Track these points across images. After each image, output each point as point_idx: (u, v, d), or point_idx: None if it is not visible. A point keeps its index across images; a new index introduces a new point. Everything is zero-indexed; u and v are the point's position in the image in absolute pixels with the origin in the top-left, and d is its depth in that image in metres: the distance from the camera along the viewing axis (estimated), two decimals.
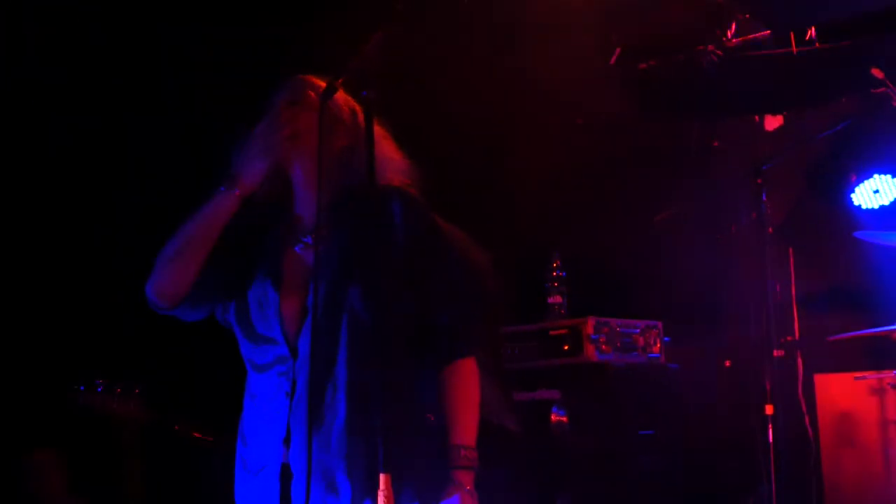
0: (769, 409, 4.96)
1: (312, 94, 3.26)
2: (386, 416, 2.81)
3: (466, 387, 3.22)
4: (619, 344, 5.41)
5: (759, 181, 5.41)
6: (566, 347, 5.40)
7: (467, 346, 3.22)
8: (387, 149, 3.24)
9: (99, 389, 4.89)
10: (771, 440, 4.89)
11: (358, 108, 3.30)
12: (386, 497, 2.73)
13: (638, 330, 5.50)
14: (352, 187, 3.18)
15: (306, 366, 3.09)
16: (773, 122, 6.47)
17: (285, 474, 3.12)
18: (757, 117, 6.58)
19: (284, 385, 3.12)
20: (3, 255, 5.61)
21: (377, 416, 2.86)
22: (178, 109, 5.60)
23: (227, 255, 3.25)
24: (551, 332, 5.50)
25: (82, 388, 4.87)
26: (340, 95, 3.20)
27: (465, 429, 3.18)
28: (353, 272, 3.07)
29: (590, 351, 5.31)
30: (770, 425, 4.91)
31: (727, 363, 6.25)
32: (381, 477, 2.74)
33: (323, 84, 3.22)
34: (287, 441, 3.07)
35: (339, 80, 3.06)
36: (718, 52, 5.99)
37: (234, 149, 3.26)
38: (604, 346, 5.34)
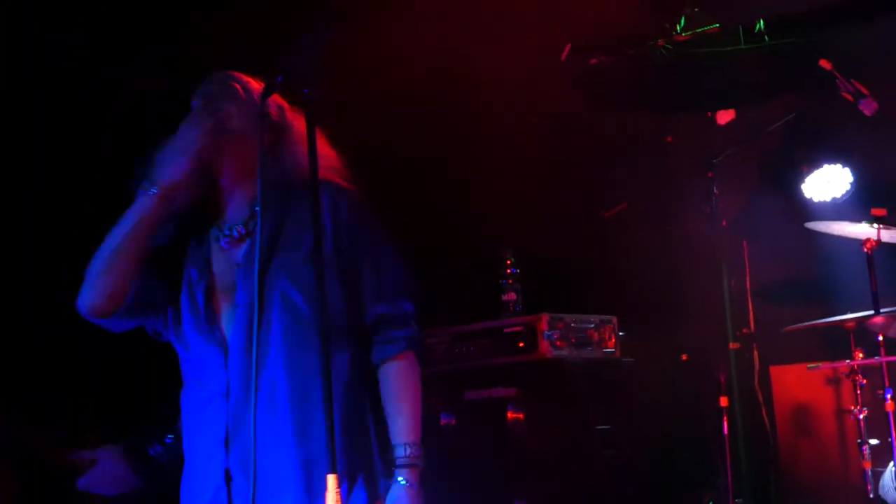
0: (724, 402, 4.98)
1: (237, 86, 3.23)
2: (329, 414, 2.77)
3: (408, 382, 3.19)
4: (573, 340, 5.39)
5: (709, 175, 5.44)
6: (521, 344, 5.38)
7: (407, 340, 3.20)
8: (319, 146, 3.20)
9: None
10: (726, 432, 4.91)
11: (285, 104, 3.28)
12: (336, 499, 2.70)
13: (593, 325, 5.49)
14: (278, 182, 3.15)
15: (238, 363, 3.06)
16: (725, 116, 6.48)
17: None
18: (709, 112, 6.60)
19: (221, 386, 3.09)
20: None
21: (319, 414, 2.84)
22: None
23: (157, 261, 3.22)
24: (506, 330, 5.48)
25: None
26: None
27: (409, 425, 3.14)
28: (281, 265, 3.04)
29: (545, 347, 5.29)
30: (725, 417, 4.92)
31: (684, 357, 6.26)
32: (329, 478, 2.71)
33: (247, 79, 3.21)
34: (227, 443, 3.03)
35: (278, 78, 3.04)
36: (668, 46, 6.01)
37: (155, 149, 3.22)
38: (558, 343, 5.32)
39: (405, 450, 3.11)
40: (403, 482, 3.09)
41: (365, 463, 3.12)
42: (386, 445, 3.16)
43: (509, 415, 5.39)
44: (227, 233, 3.20)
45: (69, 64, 5.15)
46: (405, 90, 5.70)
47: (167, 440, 4.34)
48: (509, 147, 6.18)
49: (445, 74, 6.07)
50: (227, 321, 3.12)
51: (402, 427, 3.13)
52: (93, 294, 3.14)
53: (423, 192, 5.87)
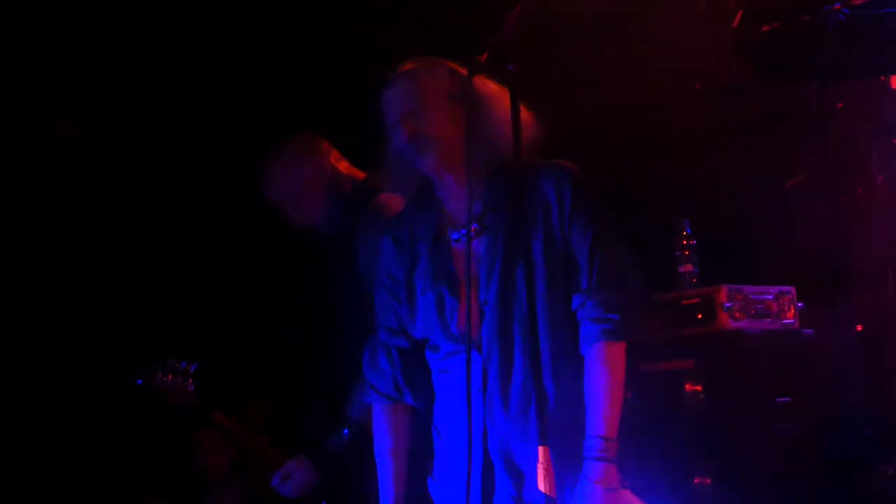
0: None
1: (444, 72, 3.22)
2: (540, 390, 2.81)
3: (606, 372, 3.18)
4: (752, 311, 5.33)
5: (893, 141, 5.30)
6: (699, 316, 5.34)
7: (611, 331, 3.18)
8: (526, 125, 3.20)
9: (160, 370, 4.89)
10: None
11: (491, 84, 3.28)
12: (544, 468, 2.73)
13: (771, 296, 5.42)
14: (502, 169, 3.15)
15: (494, 359, 3.09)
16: None
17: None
18: (883, 76, 6.43)
19: (472, 381, 3.12)
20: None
21: (553, 396, 2.90)
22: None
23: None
24: (683, 302, 5.44)
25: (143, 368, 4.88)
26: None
27: (600, 418, 3.14)
28: (519, 259, 3.06)
29: (724, 319, 5.24)
30: None
31: (859, 328, 6.14)
32: (540, 450, 2.73)
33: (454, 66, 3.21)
34: (485, 436, 3.08)
35: (483, 57, 3.05)
36: (845, 10, 5.85)
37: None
38: (738, 314, 5.27)
39: (593, 442, 3.10)
40: (589, 478, 3.09)
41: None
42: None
43: (687, 387, 5.36)
44: (458, 236, 3.22)
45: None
46: (583, 64, 5.68)
47: (344, 433, 4.44)
48: (681, 116, 6.12)
49: (616, 40, 6.04)
50: (472, 317, 3.15)
51: (596, 419, 3.14)
52: None
53: (595, 163, 5.84)
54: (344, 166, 4.71)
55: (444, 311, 3.18)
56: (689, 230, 5.65)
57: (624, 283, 3.23)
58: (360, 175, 4.74)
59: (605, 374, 3.14)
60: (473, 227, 3.19)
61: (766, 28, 6.12)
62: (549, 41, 5.52)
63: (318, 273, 4.90)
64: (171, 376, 4.92)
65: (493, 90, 3.22)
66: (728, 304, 5.23)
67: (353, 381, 4.39)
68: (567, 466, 3.06)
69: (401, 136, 3.20)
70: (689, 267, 5.63)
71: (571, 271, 3.15)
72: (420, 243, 3.29)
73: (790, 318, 5.46)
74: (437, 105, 3.11)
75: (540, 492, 2.96)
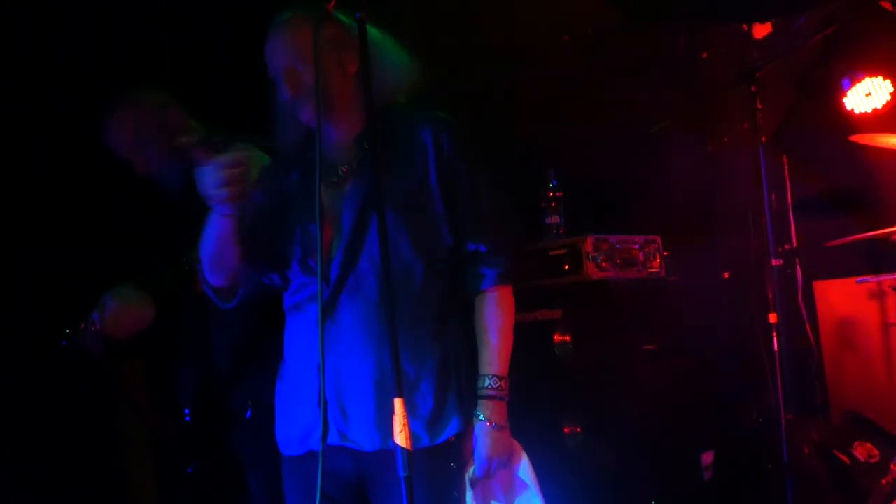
0: (773, 318, 4.95)
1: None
2: (393, 338, 2.81)
3: (498, 315, 3.24)
4: (618, 261, 5.38)
5: (752, 89, 5.36)
6: (566, 267, 5.38)
7: (500, 274, 3.22)
8: (398, 63, 3.19)
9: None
10: (776, 348, 4.89)
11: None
12: (402, 422, 2.72)
13: (637, 245, 5.47)
14: (381, 116, 3.13)
15: (340, 293, 3.08)
16: (761, 30, 6.40)
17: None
18: (745, 25, 6.51)
19: (314, 314, 3.10)
20: None
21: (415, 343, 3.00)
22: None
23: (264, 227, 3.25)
24: (550, 253, 5.47)
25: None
26: (336, 20, 3.14)
27: (494, 358, 3.20)
28: (386, 203, 3.04)
29: (590, 269, 5.28)
30: (774, 333, 4.90)
31: (726, 275, 6.24)
32: (396, 402, 2.73)
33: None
34: (321, 369, 3.03)
35: (331, 4, 3.00)
36: None
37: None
38: (603, 264, 5.31)
39: (486, 381, 3.15)
40: (482, 418, 3.12)
41: (456, 386, 3.14)
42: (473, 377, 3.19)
43: (556, 337, 5.40)
44: (329, 174, 3.20)
45: None
46: (443, 14, 5.65)
47: (247, 415, 4.44)
48: (546, 68, 6.12)
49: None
50: (327, 252, 3.14)
51: (487, 359, 3.20)
52: (214, 280, 3.27)
53: (461, 115, 5.82)
54: (183, 121, 4.63)
55: (306, 243, 3.17)
56: (555, 181, 5.67)
57: (510, 227, 3.27)
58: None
59: (501, 315, 3.21)
60: (345, 168, 3.19)
61: None
62: None
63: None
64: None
65: (375, 37, 3.20)
66: (594, 255, 5.27)
67: (240, 358, 4.40)
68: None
69: (283, 89, 3.15)
70: (555, 218, 5.66)
71: (453, 218, 3.17)
72: (293, 180, 3.28)
73: (656, 266, 5.53)
74: (318, 57, 3.05)
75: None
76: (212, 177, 2.99)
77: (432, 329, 3.16)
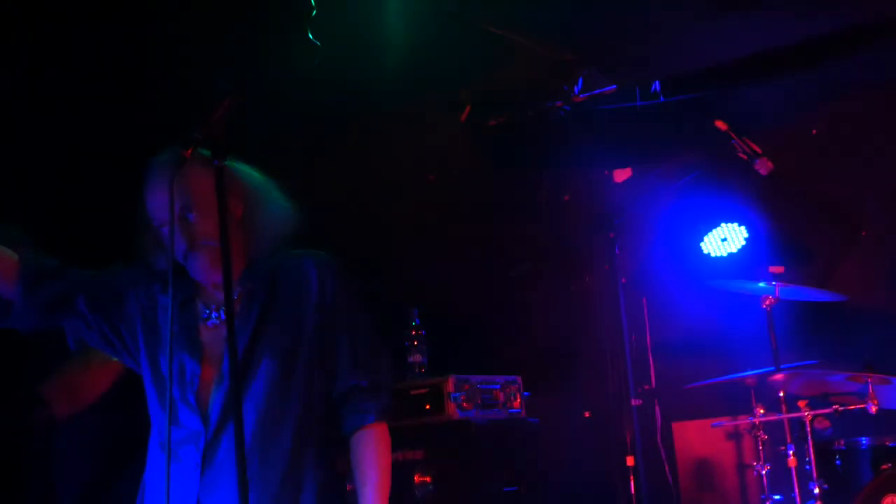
0: (630, 461, 5.01)
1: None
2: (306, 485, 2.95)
3: (380, 452, 3.24)
4: (479, 401, 5.38)
5: (611, 235, 5.49)
6: (427, 406, 5.37)
7: (378, 411, 3.23)
8: (277, 209, 3.20)
9: None
10: (633, 491, 4.93)
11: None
12: None
13: (498, 386, 5.49)
14: (259, 256, 3.13)
15: (221, 435, 3.03)
16: (622, 175, 6.58)
17: None
18: (606, 170, 6.69)
19: (194, 457, 3.04)
20: None
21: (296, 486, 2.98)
22: None
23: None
24: (412, 392, 5.46)
25: None
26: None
27: (376, 494, 3.18)
28: (270, 342, 3.05)
29: (451, 409, 5.28)
30: (632, 476, 4.95)
31: (587, 414, 6.30)
32: None
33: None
34: None
35: (188, 151, 3.00)
36: (566, 106, 6.08)
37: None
38: (465, 404, 5.31)
39: None
40: None
41: None
42: None
43: (416, 478, 5.36)
44: (211, 314, 3.17)
45: None
46: (308, 153, 5.68)
47: None
48: (411, 207, 6.19)
49: (349, 134, 6.07)
50: (208, 391, 3.10)
51: (370, 495, 3.16)
52: None
53: (330, 249, 5.84)
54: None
55: (185, 376, 3.12)
56: (417, 320, 5.69)
57: (386, 366, 3.29)
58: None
59: (383, 452, 3.22)
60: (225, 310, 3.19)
61: (493, 122, 6.31)
62: (285, 133, 5.51)
63: None
64: None
65: (257, 182, 3.22)
66: (455, 395, 5.27)
67: None
68: None
69: (177, 240, 3.10)
70: (417, 357, 5.66)
71: (331, 356, 3.17)
72: (160, 311, 3.22)
73: (517, 406, 5.54)
74: (210, 206, 3.05)
75: None
76: None
77: (304, 478, 3.15)
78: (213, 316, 3.19)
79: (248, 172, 3.20)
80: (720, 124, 5.47)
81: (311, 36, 5.27)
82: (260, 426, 3.06)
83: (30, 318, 3.18)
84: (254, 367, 3.10)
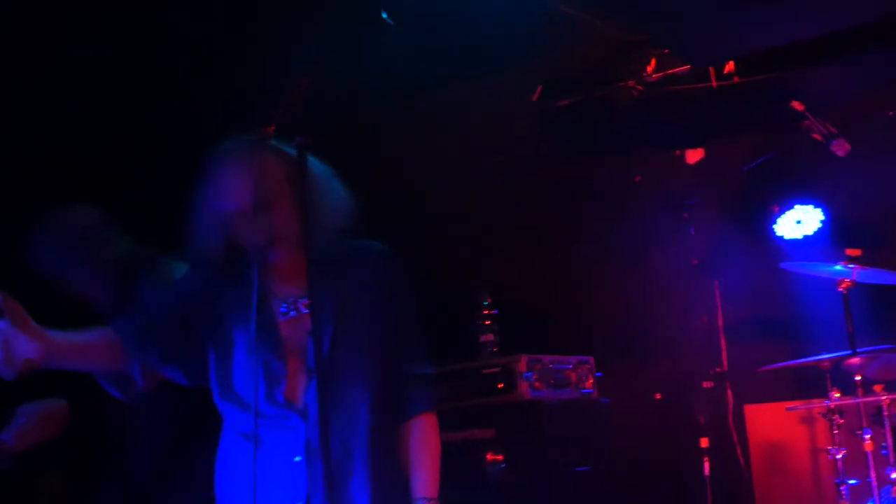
0: (704, 442, 4.98)
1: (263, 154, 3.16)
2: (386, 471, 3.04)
3: (432, 440, 3.27)
4: (552, 381, 5.38)
5: (685, 216, 5.45)
6: (500, 386, 5.37)
7: (430, 400, 3.28)
8: (337, 193, 3.21)
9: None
10: (707, 473, 4.90)
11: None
12: None
13: (570, 366, 5.49)
14: (326, 245, 3.15)
15: (317, 428, 3.06)
16: (694, 156, 6.52)
17: None
18: (678, 151, 6.63)
19: (292, 449, 3.08)
20: None
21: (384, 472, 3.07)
22: None
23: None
24: (484, 371, 5.46)
25: None
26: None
27: (430, 481, 3.22)
28: (346, 333, 3.10)
29: (523, 389, 5.28)
30: (706, 458, 4.92)
31: (657, 396, 6.27)
32: None
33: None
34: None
35: (270, 129, 3.00)
36: (639, 87, 6.03)
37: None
38: (537, 384, 5.31)
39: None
40: None
41: None
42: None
43: (488, 456, 5.37)
44: (287, 308, 3.21)
45: None
46: (377, 136, 5.69)
47: None
48: (481, 187, 6.18)
49: (417, 116, 6.07)
50: (296, 386, 3.14)
51: (423, 482, 3.21)
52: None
53: (401, 234, 5.85)
54: (108, 239, 4.59)
55: (271, 374, 3.16)
56: (489, 300, 5.69)
57: (430, 358, 3.34)
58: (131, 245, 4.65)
59: (432, 439, 3.27)
60: (304, 301, 3.21)
61: (563, 103, 6.27)
62: (352, 111, 5.52)
63: None
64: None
65: (321, 169, 3.24)
66: (527, 374, 5.27)
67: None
68: None
69: (249, 230, 3.10)
70: (489, 336, 5.67)
71: (390, 347, 3.23)
72: (236, 311, 3.23)
73: (588, 387, 5.53)
74: (284, 194, 3.07)
75: None
76: None
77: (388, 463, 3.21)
78: (290, 310, 3.22)
79: (312, 160, 3.19)
80: (797, 105, 5.42)
81: (384, 15, 5.28)
82: (345, 415, 3.11)
83: (150, 381, 3.32)
84: (339, 358, 3.13)
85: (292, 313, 3.20)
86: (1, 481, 4.86)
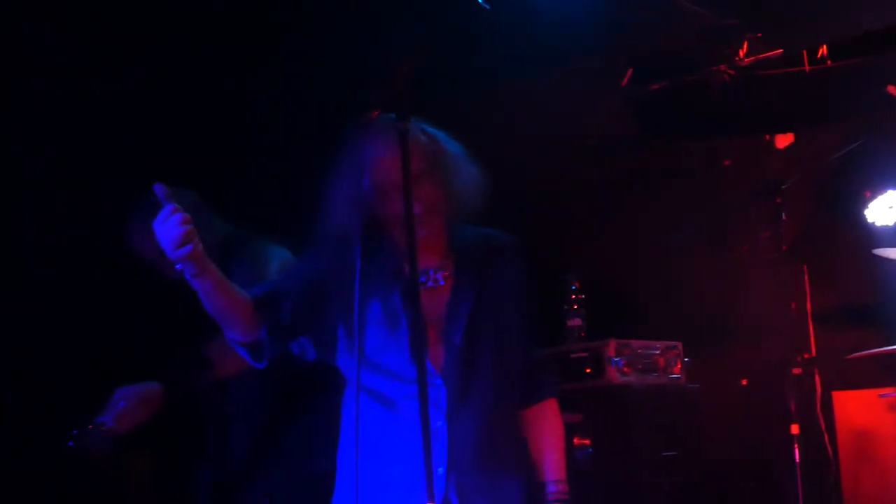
0: (795, 429, 4.95)
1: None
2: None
3: (558, 423, 3.43)
4: (640, 366, 5.41)
5: (778, 201, 5.41)
6: (588, 370, 5.40)
7: (555, 385, 3.45)
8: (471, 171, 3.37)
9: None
10: (798, 460, 4.88)
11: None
12: None
13: (658, 351, 5.50)
14: (463, 226, 3.24)
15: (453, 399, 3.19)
16: (784, 140, 6.45)
17: None
18: (768, 136, 6.57)
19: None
20: None
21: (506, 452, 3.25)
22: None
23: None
24: (571, 356, 5.49)
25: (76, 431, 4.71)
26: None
27: (558, 464, 3.36)
28: (481, 315, 3.26)
29: (612, 373, 5.31)
30: (796, 445, 4.90)
31: (744, 382, 6.24)
32: None
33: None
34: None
35: (375, 114, 3.05)
36: (731, 71, 5.98)
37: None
38: (625, 369, 5.34)
39: (556, 486, 3.26)
40: None
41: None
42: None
43: (575, 440, 5.40)
44: (426, 279, 3.29)
45: None
46: (464, 117, 5.71)
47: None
48: (571, 173, 6.19)
49: (505, 99, 6.09)
50: (438, 355, 3.27)
51: (552, 465, 3.36)
52: (233, 335, 3.32)
53: (491, 217, 5.88)
54: (208, 223, 4.64)
55: (416, 342, 3.23)
56: (577, 284, 5.70)
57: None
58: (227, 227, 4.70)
59: (558, 424, 3.40)
60: (443, 273, 3.31)
61: (654, 87, 6.24)
62: (445, 94, 5.54)
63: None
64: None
65: (454, 148, 3.34)
66: (616, 359, 5.29)
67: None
68: None
69: (396, 203, 3.13)
70: (577, 321, 5.69)
71: (515, 333, 3.30)
72: (374, 281, 3.28)
73: (677, 372, 5.54)
74: (427, 169, 3.18)
75: None
76: (165, 235, 3.12)
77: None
78: (428, 280, 3.28)
79: (445, 138, 3.26)
80: (892, 89, 5.35)
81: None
82: (475, 392, 3.23)
83: (275, 350, 3.36)
84: (476, 335, 3.26)
85: (430, 283, 3.30)
86: (99, 463, 4.95)
